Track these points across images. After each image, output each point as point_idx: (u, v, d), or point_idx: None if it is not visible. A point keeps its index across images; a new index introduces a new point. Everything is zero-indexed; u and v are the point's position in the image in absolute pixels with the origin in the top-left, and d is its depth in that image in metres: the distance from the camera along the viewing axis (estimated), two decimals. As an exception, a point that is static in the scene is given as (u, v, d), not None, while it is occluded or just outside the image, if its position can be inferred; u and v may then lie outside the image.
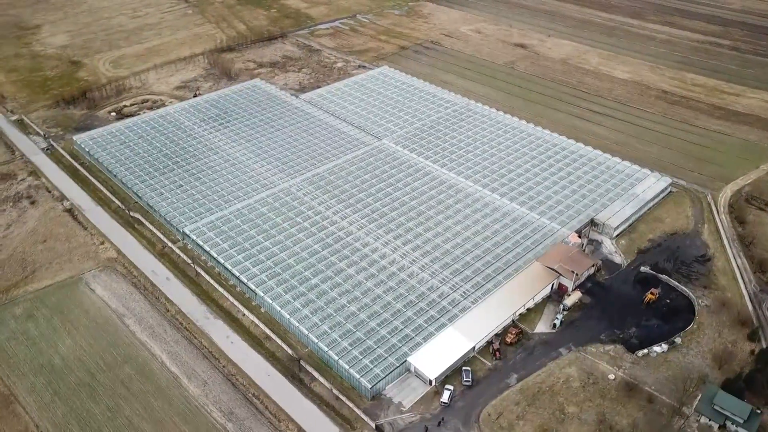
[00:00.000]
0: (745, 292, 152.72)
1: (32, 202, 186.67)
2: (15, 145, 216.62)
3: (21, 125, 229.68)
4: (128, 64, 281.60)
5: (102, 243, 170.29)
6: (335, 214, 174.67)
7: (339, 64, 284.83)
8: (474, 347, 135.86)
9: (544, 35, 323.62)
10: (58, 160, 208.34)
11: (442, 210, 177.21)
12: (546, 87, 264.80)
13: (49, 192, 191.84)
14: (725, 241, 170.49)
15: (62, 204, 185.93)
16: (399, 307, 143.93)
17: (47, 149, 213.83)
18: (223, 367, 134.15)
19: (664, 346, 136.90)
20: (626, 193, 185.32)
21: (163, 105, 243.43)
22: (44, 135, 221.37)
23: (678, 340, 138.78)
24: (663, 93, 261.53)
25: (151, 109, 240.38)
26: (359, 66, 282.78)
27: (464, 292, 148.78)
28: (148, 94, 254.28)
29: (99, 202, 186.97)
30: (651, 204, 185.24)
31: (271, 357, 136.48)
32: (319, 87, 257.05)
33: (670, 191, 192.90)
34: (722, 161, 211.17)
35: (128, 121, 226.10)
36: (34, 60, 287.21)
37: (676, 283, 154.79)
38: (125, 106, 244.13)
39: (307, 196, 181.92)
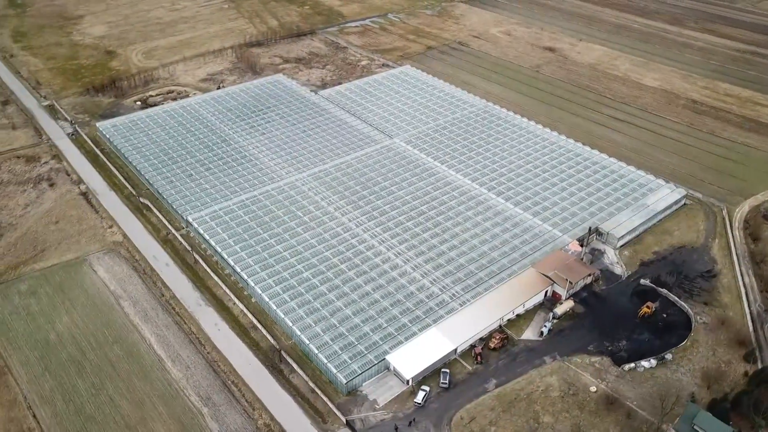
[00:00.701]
0: (747, 311, 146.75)
1: (51, 185, 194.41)
2: (43, 130, 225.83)
3: (51, 110, 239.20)
4: (159, 55, 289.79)
5: (110, 227, 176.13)
6: (336, 210, 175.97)
7: (363, 62, 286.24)
8: (456, 350, 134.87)
9: (575, 39, 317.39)
10: (80, 145, 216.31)
11: (443, 211, 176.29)
12: (569, 92, 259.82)
13: (68, 175, 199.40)
14: (735, 258, 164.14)
15: (79, 187, 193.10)
16: (386, 305, 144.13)
17: (72, 134, 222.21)
18: (208, 353, 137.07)
19: (653, 362, 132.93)
20: (636, 203, 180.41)
21: (187, 96, 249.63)
22: (71, 121, 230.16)
23: (669, 356, 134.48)
24: (692, 102, 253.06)
25: (174, 99, 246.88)
26: (383, 65, 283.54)
27: (453, 294, 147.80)
28: (174, 85, 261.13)
29: (113, 187, 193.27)
30: (661, 215, 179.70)
31: (255, 346, 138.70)
32: (340, 84, 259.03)
33: (684, 203, 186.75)
34: (745, 175, 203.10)
35: (150, 110, 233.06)
36: (72, 49, 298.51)
37: (676, 298, 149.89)
38: (151, 96, 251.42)
39: (311, 191, 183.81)
